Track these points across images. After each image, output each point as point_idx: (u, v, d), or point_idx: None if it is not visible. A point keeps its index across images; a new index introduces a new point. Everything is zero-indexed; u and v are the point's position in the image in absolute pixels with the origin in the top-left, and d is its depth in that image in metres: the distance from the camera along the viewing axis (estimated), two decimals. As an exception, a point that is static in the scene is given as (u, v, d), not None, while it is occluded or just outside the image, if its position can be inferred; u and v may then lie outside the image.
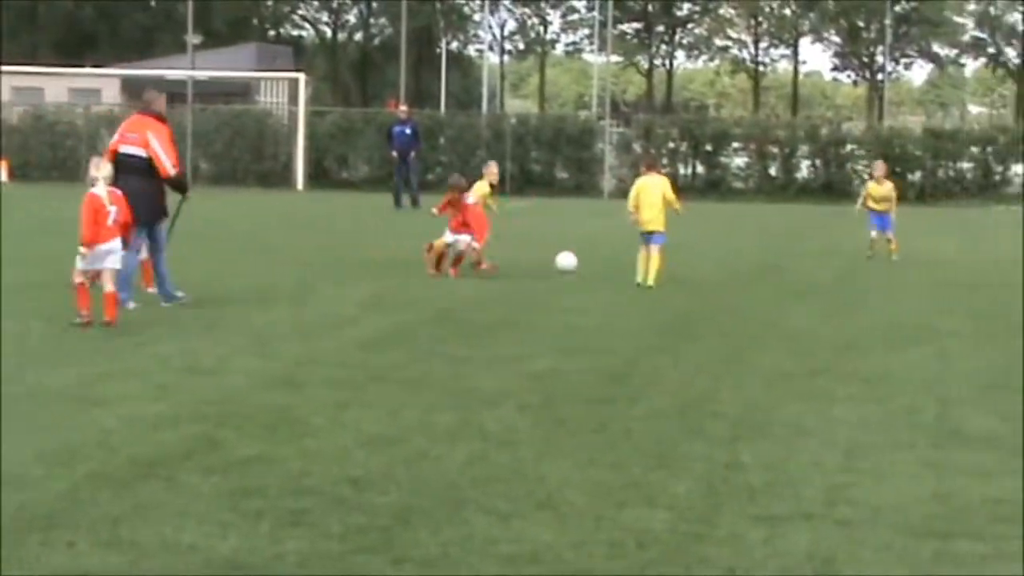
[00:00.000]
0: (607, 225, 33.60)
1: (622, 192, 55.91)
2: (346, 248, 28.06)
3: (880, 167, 29.70)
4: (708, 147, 56.46)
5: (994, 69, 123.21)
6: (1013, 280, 23.56)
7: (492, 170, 25.98)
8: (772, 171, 56.27)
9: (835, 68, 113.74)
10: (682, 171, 55.75)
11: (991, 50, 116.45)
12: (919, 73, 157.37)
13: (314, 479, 9.33)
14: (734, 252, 28.84)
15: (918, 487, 9.44)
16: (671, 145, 56.53)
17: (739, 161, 57.66)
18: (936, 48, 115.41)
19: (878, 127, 60.91)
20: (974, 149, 55.87)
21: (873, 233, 27.61)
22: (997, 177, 55.51)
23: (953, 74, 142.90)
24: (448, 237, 23.10)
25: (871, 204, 28.11)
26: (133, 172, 17.85)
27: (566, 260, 23.51)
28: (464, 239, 23.04)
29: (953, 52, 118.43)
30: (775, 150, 56.38)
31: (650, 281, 21.56)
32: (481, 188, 24.98)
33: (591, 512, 8.65)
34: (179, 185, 18.75)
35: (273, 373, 13.53)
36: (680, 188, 54.95)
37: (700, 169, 56.83)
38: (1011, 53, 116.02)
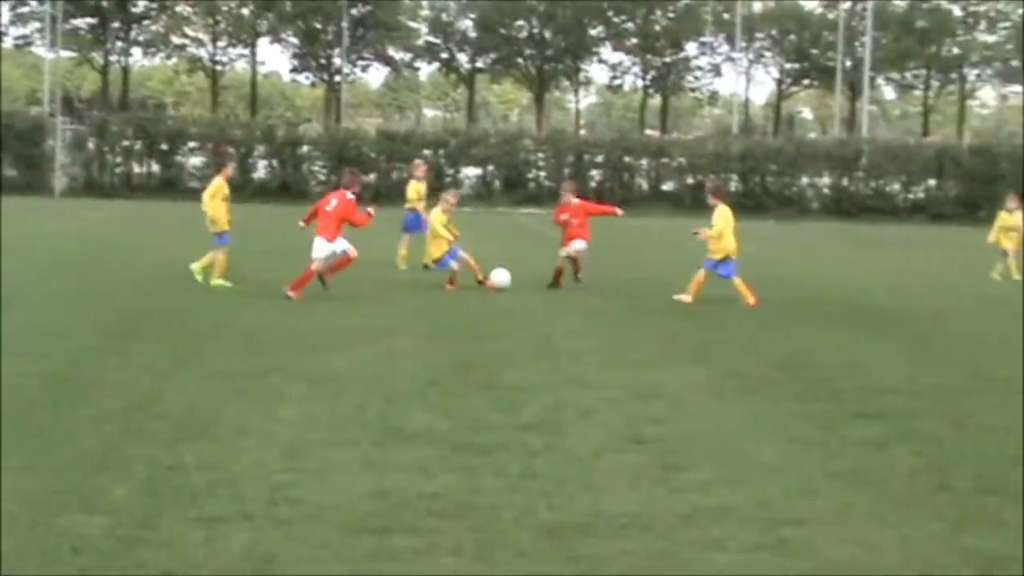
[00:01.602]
0: (61, 229, 32.78)
1: (73, 191, 54.91)
2: None
3: (422, 168, 29.70)
4: (164, 146, 55.91)
5: (447, 73, 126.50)
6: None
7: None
8: (230, 171, 56.20)
9: (294, 69, 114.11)
10: (137, 169, 55.01)
11: (444, 55, 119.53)
12: (376, 76, 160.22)
13: None
14: (186, 253, 28.54)
15: (359, 484, 9.55)
16: (126, 143, 55.67)
17: (196, 160, 57.31)
18: (392, 51, 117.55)
19: (334, 129, 61.65)
20: (427, 151, 57.32)
21: (407, 237, 27.49)
22: (448, 179, 57.12)
23: (409, 77, 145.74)
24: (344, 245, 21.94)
25: (416, 204, 27.99)
26: None
27: (500, 277, 22.97)
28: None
29: (408, 56, 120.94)
30: (232, 150, 56.30)
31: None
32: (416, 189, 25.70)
33: (25, 519, 8.37)
34: None
35: None
36: (135, 187, 54.35)
37: (156, 168, 56.21)
38: (463, 58, 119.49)
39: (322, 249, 21.52)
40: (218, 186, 23.18)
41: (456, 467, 10.14)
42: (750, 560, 8.09)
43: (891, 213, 57.16)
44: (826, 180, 58.80)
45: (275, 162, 56.14)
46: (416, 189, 28.57)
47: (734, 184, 58.32)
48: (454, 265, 23.58)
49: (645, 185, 58.43)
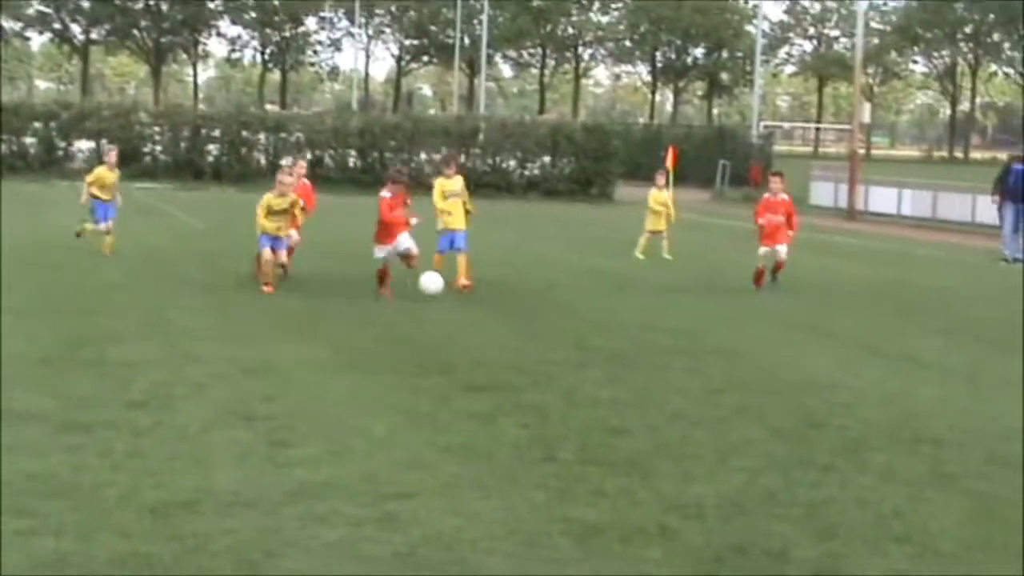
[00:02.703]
0: None
1: None
2: None
3: (113, 155, 27.81)
4: None
5: (60, 44, 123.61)
6: (59, 259, 23.76)
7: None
8: None
9: None
10: None
11: (57, 25, 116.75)
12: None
13: None
14: None
15: (-43, 466, 9.28)
16: None
17: None
18: (1, 21, 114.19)
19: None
20: (37, 124, 55.83)
21: (102, 225, 25.66)
22: (60, 153, 55.70)
23: (19, 47, 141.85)
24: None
25: (96, 192, 26.11)
26: None
27: (432, 283, 20.52)
28: None
29: (19, 25, 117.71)
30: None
31: None
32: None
33: None
34: None
35: None
36: None
37: None
38: (77, 29, 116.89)
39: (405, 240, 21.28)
40: None
41: (61, 447, 9.95)
42: (355, 534, 8.16)
43: (507, 189, 58.06)
44: (444, 156, 59.40)
45: None
46: (97, 176, 26.45)
47: (352, 160, 58.42)
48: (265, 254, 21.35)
49: (263, 160, 57.94)
